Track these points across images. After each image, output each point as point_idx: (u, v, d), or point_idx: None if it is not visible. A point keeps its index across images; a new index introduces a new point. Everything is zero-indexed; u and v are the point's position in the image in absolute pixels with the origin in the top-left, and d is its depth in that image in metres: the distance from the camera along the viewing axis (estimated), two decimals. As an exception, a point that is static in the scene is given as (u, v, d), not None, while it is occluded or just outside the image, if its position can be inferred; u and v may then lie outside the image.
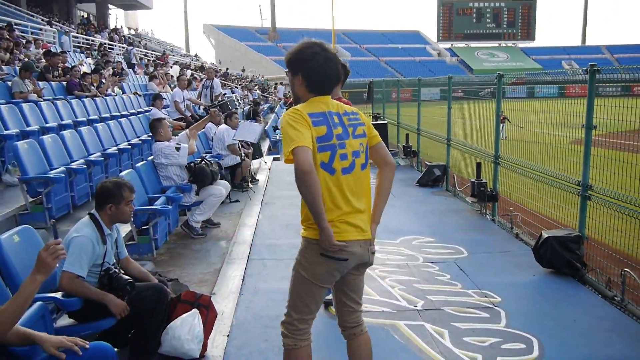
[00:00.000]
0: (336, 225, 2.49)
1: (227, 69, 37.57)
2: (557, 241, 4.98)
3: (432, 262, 5.34)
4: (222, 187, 6.42)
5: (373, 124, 10.40)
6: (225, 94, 12.58)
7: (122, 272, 3.38)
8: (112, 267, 3.30)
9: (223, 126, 8.68)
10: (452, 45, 75.07)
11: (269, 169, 11.03)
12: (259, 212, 7.37)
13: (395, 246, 5.89)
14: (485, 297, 4.52)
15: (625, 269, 4.37)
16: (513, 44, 76.46)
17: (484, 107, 9.62)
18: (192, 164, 6.34)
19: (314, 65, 2.55)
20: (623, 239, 4.68)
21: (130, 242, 5.19)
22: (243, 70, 39.13)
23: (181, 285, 4.00)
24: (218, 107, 10.37)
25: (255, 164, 10.47)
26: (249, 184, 8.96)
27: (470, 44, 75.00)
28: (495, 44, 76.00)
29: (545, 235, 5.08)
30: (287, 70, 2.65)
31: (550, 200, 6.04)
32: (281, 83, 45.49)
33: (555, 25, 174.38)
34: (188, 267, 5.25)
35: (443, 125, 9.43)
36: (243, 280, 4.88)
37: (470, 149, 8.34)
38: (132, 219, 4.75)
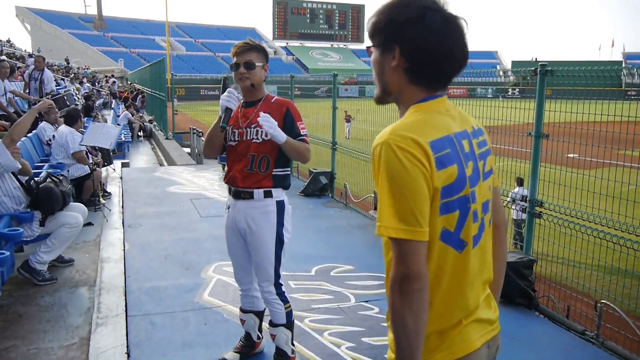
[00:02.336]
0: (457, 334, 1.41)
1: (67, 60, 33.34)
2: (511, 268, 4.29)
3: (367, 302, 4.34)
4: (77, 214, 4.74)
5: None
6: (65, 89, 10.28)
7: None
8: None
9: (64, 128, 6.80)
10: (287, 43, 75.84)
11: (120, 177, 9.20)
12: (123, 240, 5.74)
13: (313, 280, 4.78)
14: (454, 348, 3.63)
15: (603, 301, 3.79)
16: (344, 45, 79.56)
17: (323, 106, 9.12)
18: (32, 182, 4.58)
19: (427, 31, 1.35)
20: (572, 259, 4.18)
21: (-60, 311, 3.41)
22: (67, 61, 34.76)
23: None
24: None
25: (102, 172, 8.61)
26: (101, 199, 7.20)
27: (305, 44, 76.41)
28: (327, 44, 78.42)
29: (496, 261, 4.36)
30: (371, 44, 1.45)
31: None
32: (112, 75, 41.53)
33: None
34: (37, 338, 3.61)
35: (323, 128, 8.67)
36: (129, 356, 3.41)
37: (359, 154, 7.56)
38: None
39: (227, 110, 2.94)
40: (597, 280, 4.04)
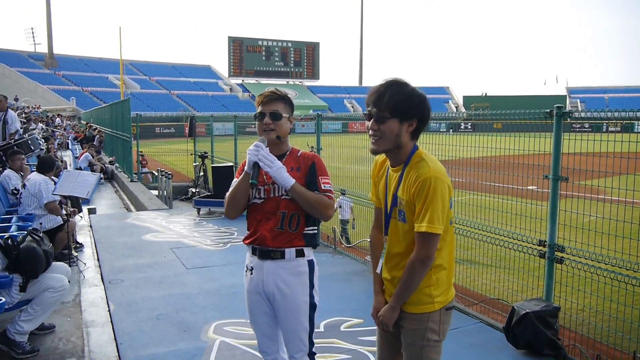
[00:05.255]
0: (451, 286, 2.44)
1: (16, 99, 31.88)
2: (537, 317, 4.08)
3: (388, 360, 4.02)
4: (62, 275, 4.27)
5: (214, 167, 8.83)
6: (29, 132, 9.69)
7: None
8: None
9: (37, 176, 6.31)
10: (243, 81, 76.00)
11: (90, 226, 8.62)
12: (106, 299, 5.25)
13: (323, 337, 4.44)
14: (496, 413, 3.35)
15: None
16: (300, 82, 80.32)
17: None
18: (10, 242, 4.10)
19: (429, 111, 2.33)
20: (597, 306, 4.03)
21: None
22: (16, 100, 33.56)
23: None
24: (15, 147, 7.78)
25: (71, 221, 8.04)
26: (73, 251, 6.66)
27: (261, 81, 76.72)
28: (283, 81, 79.01)
29: (522, 310, 4.14)
30: (387, 116, 2.23)
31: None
32: (59, 115, 40.16)
33: (337, 66, 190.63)
34: None
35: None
36: None
37: (352, 197, 7.34)
38: None
39: (256, 165, 2.66)
40: (631, 329, 3.85)
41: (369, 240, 6.53)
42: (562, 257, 4.24)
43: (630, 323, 3.90)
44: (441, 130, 4.80)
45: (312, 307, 2.82)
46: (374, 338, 4.41)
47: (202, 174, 12.73)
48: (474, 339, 4.48)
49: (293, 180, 2.65)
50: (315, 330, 4.51)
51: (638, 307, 3.80)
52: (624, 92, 71.63)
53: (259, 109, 2.78)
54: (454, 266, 2.42)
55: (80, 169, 14.10)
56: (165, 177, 11.84)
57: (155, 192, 12.98)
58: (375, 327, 4.62)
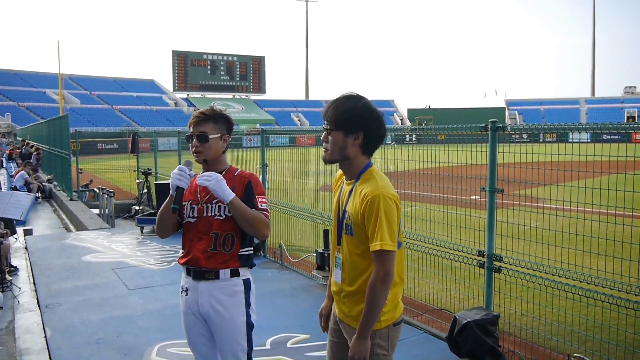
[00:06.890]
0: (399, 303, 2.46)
1: None
2: (478, 326, 4.19)
3: (335, 375, 4.02)
4: (-7, 301, 4.07)
5: (157, 184, 8.62)
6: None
7: None
8: None
9: (-35, 198, 5.98)
10: (188, 95, 74.98)
11: (25, 248, 8.25)
12: (42, 324, 5.02)
13: (270, 354, 4.41)
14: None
15: (576, 354, 3.76)
16: (246, 96, 79.97)
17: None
18: None
19: (382, 126, 2.38)
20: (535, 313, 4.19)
21: None
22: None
23: None
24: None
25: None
26: (7, 275, 6.35)
27: (206, 95, 75.95)
28: (229, 95, 78.49)
29: (463, 319, 4.24)
30: (332, 128, 2.33)
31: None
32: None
33: (283, 80, 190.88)
34: None
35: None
36: None
37: (289, 209, 7.35)
38: None
39: (179, 189, 2.66)
40: (565, 334, 4.02)
41: (314, 255, 6.55)
42: (500, 266, 4.39)
43: (564, 327, 4.07)
44: (386, 142, 4.89)
45: (250, 326, 2.78)
46: (321, 353, 4.44)
47: (145, 191, 12.44)
48: (418, 350, 4.55)
49: (233, 195, 2.63)
50: (262, 347, 4.51)
51: (572, 312, 3.96)
52: (558, 104, 74.98)
53: (190, 130, 2.77)
54: (403, 284, 2.44)
55: (15, 188, 13.52)
56: (107, 194, 11.50)
57: (97, 211, 12.58)
58: (322, 342, 4.63)
